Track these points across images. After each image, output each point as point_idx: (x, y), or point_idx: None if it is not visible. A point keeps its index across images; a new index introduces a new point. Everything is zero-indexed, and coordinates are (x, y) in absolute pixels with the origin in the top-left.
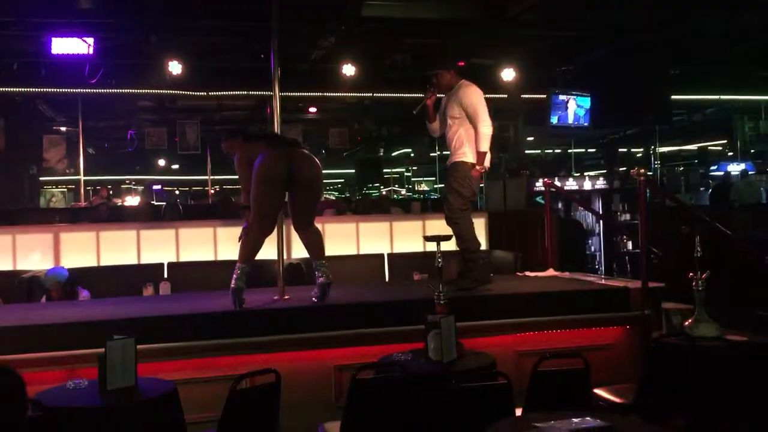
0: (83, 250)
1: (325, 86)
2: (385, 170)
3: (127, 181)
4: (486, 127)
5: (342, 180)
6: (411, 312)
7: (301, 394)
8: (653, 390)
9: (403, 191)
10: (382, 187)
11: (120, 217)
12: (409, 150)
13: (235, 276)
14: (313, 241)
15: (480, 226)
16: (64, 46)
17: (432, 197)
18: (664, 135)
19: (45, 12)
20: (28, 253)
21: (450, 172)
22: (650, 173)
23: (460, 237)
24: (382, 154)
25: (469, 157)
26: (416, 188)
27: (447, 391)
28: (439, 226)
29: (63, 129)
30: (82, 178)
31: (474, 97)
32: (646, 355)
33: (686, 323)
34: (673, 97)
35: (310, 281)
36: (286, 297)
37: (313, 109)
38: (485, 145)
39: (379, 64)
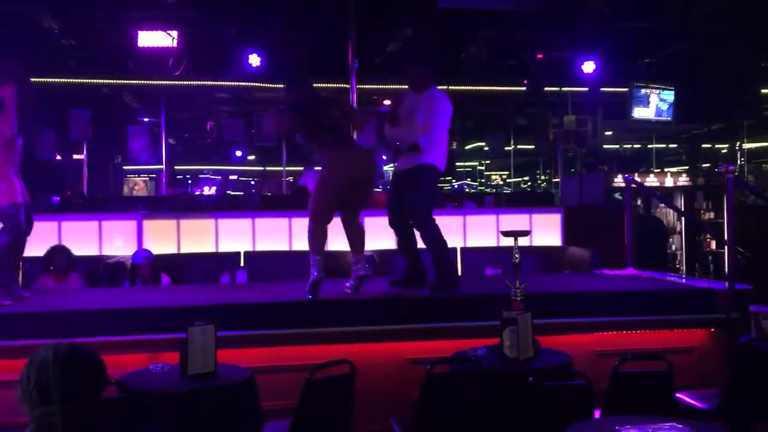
0: (164, 237)
1: (401, 79)
2: (457, 163)
3: (204, 171)
4: (424, 142)
5: None
6: (486, 307)
7: (373, 386)
8: (739, 396)
9: (476, 184)
10: (453, 180)
11: (199, 207)
12: (483, 143)
13: (314, 268)
14: (358, 235)
15: (555, 222)
16: (149, 39)
17: (505, 191)
18: (751, 130)
19: (132, 6)
20: (113, 239)
21: (415, 174)
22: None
23: (433, 241)
24: (455, 147)
25: (439, 162)
26: (492, 181)
27: (523, 389)
28: (513, 220)
29: (146, 120)
30: (164, 167)
31: (439, 111)
32: (733, 359)
33: None
34: (763, 90)
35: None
36: None
37: (387, 102)
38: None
39: (455, 57)
